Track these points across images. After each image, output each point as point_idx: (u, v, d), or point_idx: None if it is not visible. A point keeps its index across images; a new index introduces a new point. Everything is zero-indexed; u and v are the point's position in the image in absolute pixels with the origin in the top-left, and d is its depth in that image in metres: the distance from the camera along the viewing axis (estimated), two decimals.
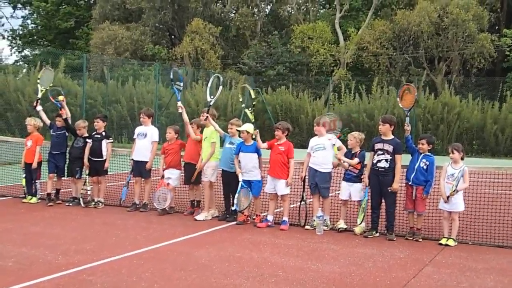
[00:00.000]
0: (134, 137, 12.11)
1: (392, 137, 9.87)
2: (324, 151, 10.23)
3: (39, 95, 12.68)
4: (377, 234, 9.76)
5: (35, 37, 60.31)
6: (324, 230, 9.98)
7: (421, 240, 9.54)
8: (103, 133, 12.20)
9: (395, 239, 9.55)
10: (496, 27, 41.87)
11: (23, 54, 61.06)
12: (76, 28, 55.43)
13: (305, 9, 49.88)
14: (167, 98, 32.28)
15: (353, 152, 10.36)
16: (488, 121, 30.50)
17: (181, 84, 12.07)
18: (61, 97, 12.41)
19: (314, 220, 10.18)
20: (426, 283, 7.23)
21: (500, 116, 30.78)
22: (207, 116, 10.98)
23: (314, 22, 45.02)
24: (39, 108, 12.59)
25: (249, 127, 10.64)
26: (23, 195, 12.58)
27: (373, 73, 40.97)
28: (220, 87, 11.31)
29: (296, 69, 43.56)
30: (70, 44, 53.42)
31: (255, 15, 47.69)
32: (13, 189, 13.55)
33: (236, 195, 10.48)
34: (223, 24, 47.11)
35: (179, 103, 11.69)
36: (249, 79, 37.88)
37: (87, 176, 12.12)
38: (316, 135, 10.57)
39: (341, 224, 10.17)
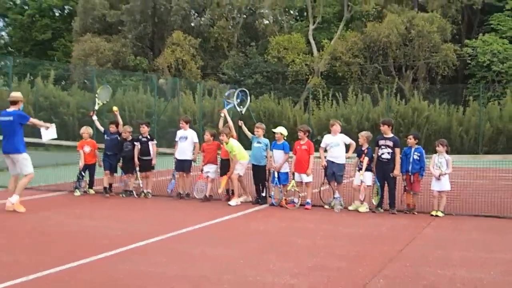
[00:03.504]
0: (176, 139, 14.68)
1: (392, 135, 12.64)
2: (338, 147, 13.00)
3: (96, 107, 15.23)
4: (382, 210, 12.47)
5: (10, 49, 61.68)
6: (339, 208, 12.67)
7: (416, 213, 12.28)
8: (148, 136, 14.79)
9: (396, 213, 12.28)
10: (458, 37, 44.58)
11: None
12: (53, 40, 56.99)
13: (281, 21, 52.37)
14: (156, 107, 34.46)
15: (363, 148, 13.03)
16: (453, 123, 33.08)
17: (233, 101, 14.65)
18: (115, 108, 15.05)
19: (331, 200, 12.86)
20: (429, 237, 10.04)
21: (464, 119, 33.40)
22: (241, 124, 14.06)
23: (289, 34, 47.58)
24: (95, 118, 15.21)
25: (282, 129, 13.38)
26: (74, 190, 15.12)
27: (346, 81, 43.52)
28: (248, 99, 14.08)
29: (273, 78, 46.00)
30: (47, 56, 55.01)
31: (231, 28, 50.05)
32: (63, 186, 15.97)
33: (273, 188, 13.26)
34: (201, 36, 49.27)
35: (225, 110, 14.64)
36: (234, 88, 40.02)
37: (138, 172, 14.67)
38: (330, 132, 13.35)
39: (353, 206, 12.83)
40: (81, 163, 15.11)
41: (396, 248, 8.97)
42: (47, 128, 13.28)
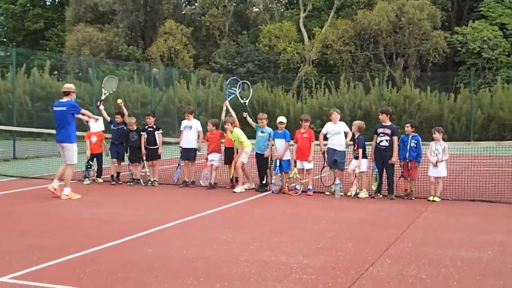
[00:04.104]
0: (181, 129, 15.20)
1: (390, 123, 13.15)
2: (339, 134, 13.55)
3: (103, 97, 15.66)
4: (381, 196, 13.02)
5: (3, 39, 61.89)
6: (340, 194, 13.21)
7: (413, 198, 12.84)
8: (154, 126, 15.29)
9: (394, 198, 12.86)
10: (448, 25, 44.98)
11: None
12: (45, 29, 57.06)
13: (272, 9, 52.70)
14: (151, 96, 34.81)
15: (355, 136, 13.55)
16: (445, 111, 33.70)
17: (236, 89, 15.16)
18: (119, 100, 15.52)
19: (332, 187, 13.39)
20: (427, 221, 10.62)
21: (456, 106, 34.02)
22: (246, 115, 14.63)
23: (280, 22, 47.94)
24: (101, 107, 15.59)
25: (283, 119, 13.95)
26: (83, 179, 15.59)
27: (337, 69, 43.95)
28: (250, 90, 14.56)
29: (264, 66, 46.47)
30: (40, 45, 55.12)
31: (223, 16, 50.34)
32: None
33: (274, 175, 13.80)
34: (193, 24, 49.56)
35: (226, 102, 15.11)
36: (228, 77, 40.34)
37: (145, 161, 15.17)
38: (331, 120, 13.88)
39: (352, 192, 13.37)
40: (88, 153, 15.60)
41: (397, 231, 9.52)
42: (96, 120, 14.30)
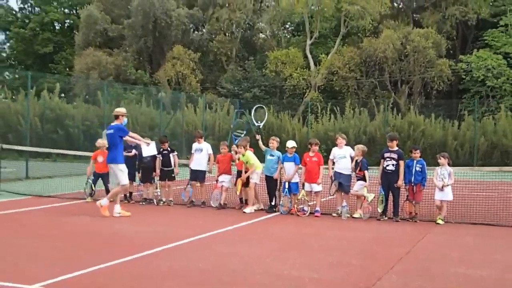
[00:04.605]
0: (192, 151, 15.73)
1: (397, 148, 13.62)
2: (345, 159, 14.03)
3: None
4: (386, 218, 13.42)
5: (12, 62, 62.76)
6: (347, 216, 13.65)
7: (418, 221, 13.25)
8: (169, 149, 15.80)
9: (399, 220, 13.25)
10: (452, 53, 45.55)
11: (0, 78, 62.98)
12: (54, 53, 58.02)
13: (278, 36, 53.43)
14: (158, 119, 35.40)
15: (358, 160, 14.04)
16: (449, 137, 34.21)
17: (243, 132, 15.67)
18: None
19: (338, 209, 13.85)
20: (431, 241, 11.08)
21: (459, 133, 34.56)
22: (259, 138, 15.19)
23: (287, 48, 48.62)
24: None
25: (294, 143, 14.44)
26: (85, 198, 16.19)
27: (342, 95, 44.54)
28: (266, 115, 15.01)
29: (270, 91, 47.07)
30: (48, 68, 55.74)
31: (230, 42, 51.09)
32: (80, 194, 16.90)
33: (282, 197, 14.29)
34: (201, 50, 50.42)
35: (234, 147, 15.57)
36: (234, 102, 40.97)
37: (158, 182, 15.67)
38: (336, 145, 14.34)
39: (356, 214, 13.80)
40: (88, 171, 16.24)
41: (403, 250, 9.95)
42: (148, 144, 14.65)
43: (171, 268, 8.29)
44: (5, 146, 19.49)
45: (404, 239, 11.26)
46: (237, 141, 15.79)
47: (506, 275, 8.34)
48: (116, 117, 13.50)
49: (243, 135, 16.04)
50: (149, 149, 14.99)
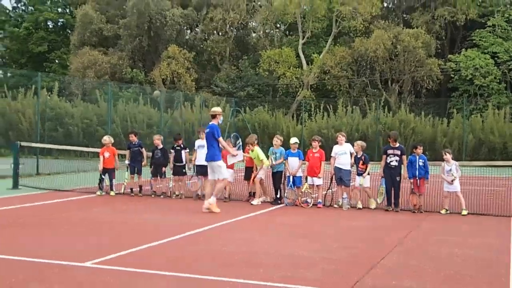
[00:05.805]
0: (195, 148, 16.65)
1: (398, 144, 14.76)
2: (345, 155, 15.08)
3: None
4: (390, 209, 14.48)
5: (6, 61, 63.45)
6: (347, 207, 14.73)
7: (423, 212, 14.29)
8: (182, 145, 16.86)
9: (399, 211, 14.36)
10: (441, 53, 46.53)
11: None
12: (48, 52, 58.75)
13: (271, 35, 54.28)
14: (157, 118, 36.29)
15: (358, 156, 15.14)
16: (438, 135, 35.41)
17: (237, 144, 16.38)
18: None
19: (339, 201, 14.94)
20: (427, 228, 12.23)
21: (449, 130, 35.81)
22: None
23: (280, 48, 49.54)
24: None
25: (294, 140, 15.54)
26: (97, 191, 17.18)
27: (334, 93, 45.59)
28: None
29: (264, 90, 47.99)
30: (43, 67, 56.34)
31: (224, 41, 52.01)
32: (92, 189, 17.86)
33: (287, 190, 15.34)
34: (195, 49, 51.37)
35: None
36: (230, 101, 41.75)
37: (172, 176, 16.77)
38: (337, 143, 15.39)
39: (359, 205, 14.89)
40: (100, 167, 17.10)
41: (402, 235, 11.07)
42: (234, 155, 15.06)
43: (200, 251, 9.33)
44: (23, 143, 20.31)
45: (402, 226, 12.33)
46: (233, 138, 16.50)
47: (500, 256, 9.37)
48: (213, 116, 14.06)
49: (232, 135, 16.77)
50: (234, 159, 15.43)
